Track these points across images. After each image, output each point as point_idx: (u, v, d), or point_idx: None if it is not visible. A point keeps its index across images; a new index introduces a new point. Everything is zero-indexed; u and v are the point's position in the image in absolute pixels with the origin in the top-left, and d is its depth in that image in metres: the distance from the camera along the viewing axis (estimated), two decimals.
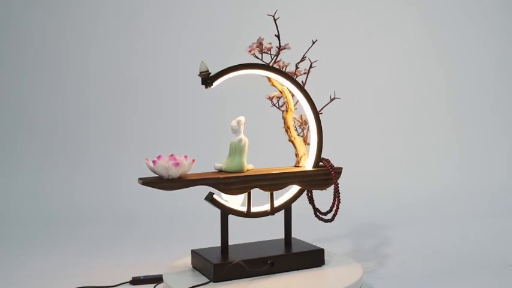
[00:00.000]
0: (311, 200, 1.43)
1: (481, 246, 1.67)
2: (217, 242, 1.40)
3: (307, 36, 1.41)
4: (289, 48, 1.36)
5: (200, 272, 1.34)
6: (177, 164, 1.26)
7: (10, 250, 1.74)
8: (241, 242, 1.44)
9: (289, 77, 1.36)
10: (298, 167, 1.42)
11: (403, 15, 2.41)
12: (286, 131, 1.42)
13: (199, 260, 1.34)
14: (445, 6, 2.39)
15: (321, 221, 1.42)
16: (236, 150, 1.34)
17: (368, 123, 2.41)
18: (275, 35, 1.35)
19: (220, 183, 1.30)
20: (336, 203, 1.38)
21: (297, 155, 1.43)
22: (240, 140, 1.34)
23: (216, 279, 1.27)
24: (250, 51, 1.37)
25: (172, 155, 1.28)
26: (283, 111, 1.42)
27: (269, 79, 1.40)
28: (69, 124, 2.45)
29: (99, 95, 2.46)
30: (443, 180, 2.25)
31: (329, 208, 1.40)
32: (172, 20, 2.47)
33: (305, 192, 1.42)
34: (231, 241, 1.38)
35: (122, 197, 2.24)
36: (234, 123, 1.34)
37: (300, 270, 1.34)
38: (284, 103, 1.42)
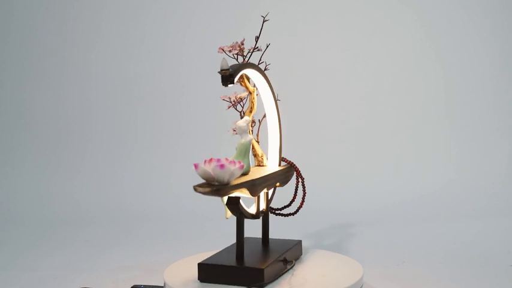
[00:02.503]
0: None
1: (481, 246, 1.66)
2: (215, 245, 1.38)
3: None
4: (259, 50, 1.40)
5: (218, 283, 1.24)
6: (242, 167, 1.16)
7: (11, 251, 1.73)
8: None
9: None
10: (262, 166, 1.45)
11: (401, 15, 2.36)
12: None
13: (217, 270, 1.25)
14: (444, 6, 2.35)
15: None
16: (246, 151, 1.30)
17: (368, 122, 2.32)
18: (256, 36, 1.37)
19: (253, 185, 1.25)
20: (302, 195, 1.49)
21: (256, 155, 1.45)
22: (250, 141, 1.31)
23: (266, 282, 1.23)
24: (230, 50, 1.35)
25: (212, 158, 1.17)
26: (240, 111, 1.43)
27: (243, 79, 1.39)
28: (71, 124, 2.45)
29: (101, 95, 2.46)
30: (442, 180, 2.21)
31: (289, 202, 1.49)
32: (174, 20, 2.44)
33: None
34: (216, 244, 1.36)
35: (124, 198, 2.23)
36: (243, 123, 1.29)
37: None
38: (237, 103, 1.43)
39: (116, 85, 2.47)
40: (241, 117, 1.43)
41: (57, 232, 1.93)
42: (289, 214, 1.49)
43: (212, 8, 2.42)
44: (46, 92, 2.47)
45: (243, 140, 1.30)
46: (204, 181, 1.16)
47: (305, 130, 2.34)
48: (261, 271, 1.22)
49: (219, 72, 1.22)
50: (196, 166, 1.13)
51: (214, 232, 1.64)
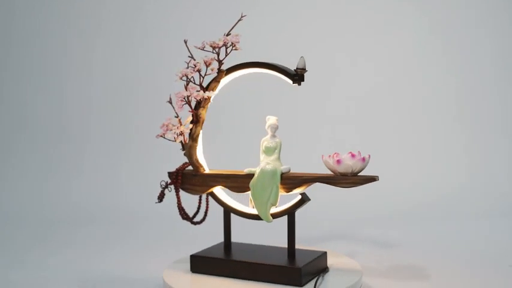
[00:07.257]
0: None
1: (481, 247, 1.67)
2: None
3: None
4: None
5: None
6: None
7: (11, 251, 1.73)
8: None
9: None
10: (203, 170, 1.40)
11: (406, 13, 2.35)
12: (196, 136, 1.38)
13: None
14: (449, 5, 2.34)
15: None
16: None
17: (374, 124, 2.32)
18: (226, 34, 1.36)
19: None
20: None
21: (196, 160, 1.38)
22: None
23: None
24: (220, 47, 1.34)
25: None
26: (197, 111, 1.39)
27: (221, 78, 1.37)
28: (71, 124, 2.46)
29: (101, 96, 2.47)
30: (445, 182, 2.20)
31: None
32: (174, 20, 2.44)
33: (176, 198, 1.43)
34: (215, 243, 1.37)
35: (123, 198, 2.23)
36: (276, 122, 1.30)
37: None
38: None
39: (115, 85, 2.48)
40: (195, 118, 1.39)
41: (57, 232, 1.93)
42: (198, 222, 1.45)
43: (212, 8, 2.43)
44: (46, 92, 2.48)
45: (278, 139, 1.30)
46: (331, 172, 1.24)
47: (311, 130, 2.33)
48: (325, 253, 1.33)
49: (297, 70, 1.22)
50: (356, 155, 1.21)
51: (214, 232, 1.63)
